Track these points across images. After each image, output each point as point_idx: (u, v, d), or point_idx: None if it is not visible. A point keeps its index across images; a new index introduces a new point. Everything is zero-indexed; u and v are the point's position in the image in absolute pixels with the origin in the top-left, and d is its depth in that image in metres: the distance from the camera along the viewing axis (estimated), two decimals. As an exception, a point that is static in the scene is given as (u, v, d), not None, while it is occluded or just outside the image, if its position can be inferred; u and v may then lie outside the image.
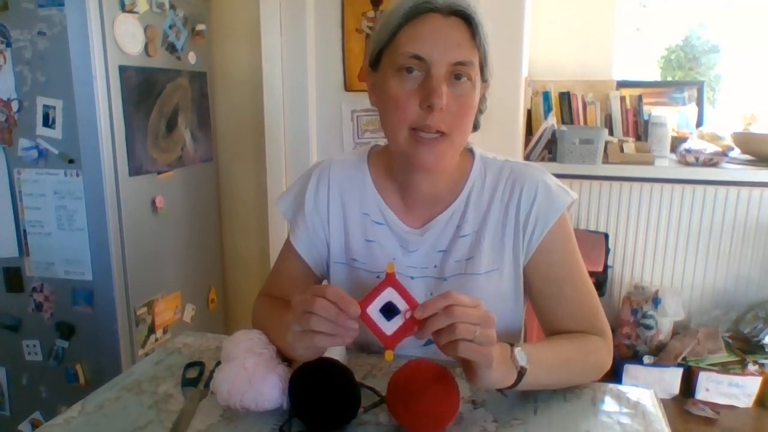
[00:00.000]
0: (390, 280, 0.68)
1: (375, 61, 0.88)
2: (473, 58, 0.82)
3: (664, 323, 2.30)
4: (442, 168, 0.87)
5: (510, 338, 0.96)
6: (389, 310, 0.68)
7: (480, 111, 0.92)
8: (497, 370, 0.70)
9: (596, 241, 2.35)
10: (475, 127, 0.94)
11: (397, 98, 0.82)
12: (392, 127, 0.84)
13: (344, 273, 0.98)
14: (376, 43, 0.87)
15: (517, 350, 0.74)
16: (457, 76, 0.81)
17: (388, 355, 0.67)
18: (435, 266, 0.94)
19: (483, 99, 0.91)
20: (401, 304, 0.68)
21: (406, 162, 0.88)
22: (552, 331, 0.92)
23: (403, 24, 0.82)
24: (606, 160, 2.38)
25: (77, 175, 1.70)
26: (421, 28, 0.81)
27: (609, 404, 0.81)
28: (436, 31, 0.80)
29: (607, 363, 0.88)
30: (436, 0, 0.81)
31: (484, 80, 0.87)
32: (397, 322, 0.68)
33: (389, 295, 0.68)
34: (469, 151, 0.98)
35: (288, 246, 1.02)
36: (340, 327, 0.67)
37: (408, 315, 0.68)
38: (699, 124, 2.52)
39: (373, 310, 0.68)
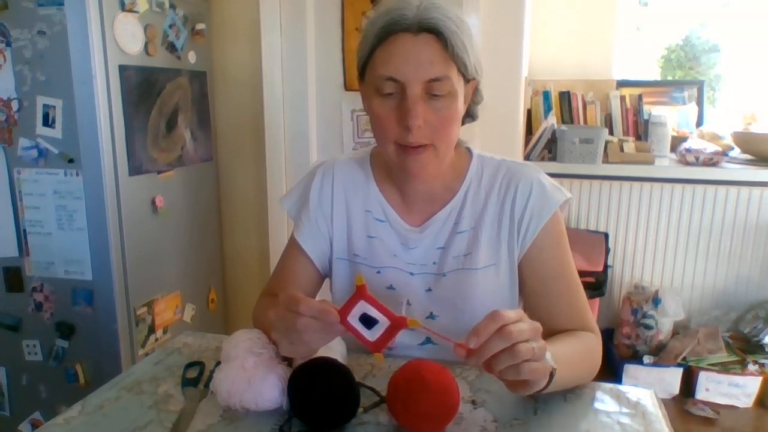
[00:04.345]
0: (361, 294, 0.68)
1: (361, 73, 0.90)
2: (448, 71, 0.82)
3: (664, 323, 2.30)
4: (429, 175, 0.90)
5: None
6: (367, 319, 0.68)
7: (475, 103, 0.94)
8: (540, 369, 0.69)
9: (596, 241, 2.35)
10: (473, 118, 0.96)
11: (379, 117, 0.85)
12: (380, 141, 0.89)
13: (346, 269, 1.00)
14: (359, 57, 0.89)
15: (546, 353, 0.72)
16: (435, 92, 0.82)
17: (378, 357, 0.67)
18: (434, 263, 0.96)
19: (476, 92, 0.92)
20: (376, 315, 0.67)
21: (397, 170, 0.92)
22: (545, 329, 0.92)
23: (376, 45, 0.84)
24: (606, 159, 2.38)
25: (77, 174, 1.70)
26: (393, 50, 0.82)
27: (609, 404, 0.81)
28: (408, 51, 0.81)
29: (600, 361, 0.90)
30: (405, 19, 0.81)
31: (471, 79, 0.88)
32: (378, 330, 0.67)
33: (363, 307, 0.67)
34: (467, 150, 1.00)
35: (292, 243, 1.03)
36: (328, 332, 0.69)
37: (386, 326, 0.67)
38: (699, 123, 2.52)
39: (353, 318, 0.68)
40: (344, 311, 0.68)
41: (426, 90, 0.82)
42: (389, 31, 0.82)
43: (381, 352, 0.68)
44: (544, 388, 0.74)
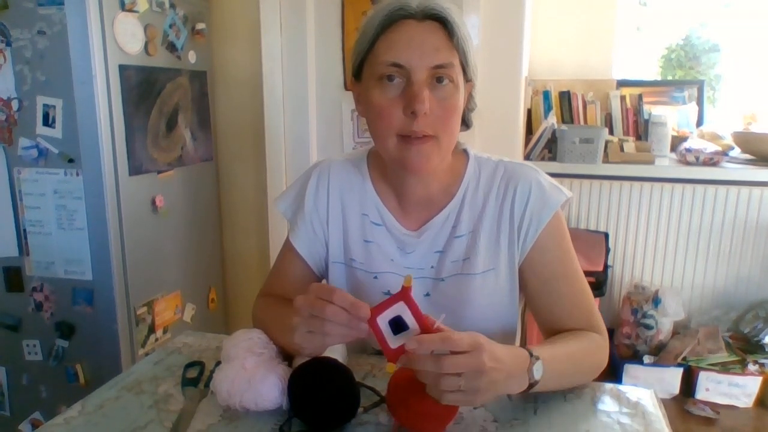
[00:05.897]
0: (404, 295, 0.67)
1: (357, 72, 0.89)
2: (452, 59, 0.82)
3: (664, 323, 2.30)
4: (432, 169, 0.87)
5: (506, 337, 0.97)
6: (397, 324, 0.67)
7: (469, 109, 0.93)
8: (504, 387, 0.70)
9: (596, 241, 2.35)
10: (467, 126, 0.95)
11: (380, 107, 0.82)
12: (380, 136, 0.85)
13: (342, 273, 0.99)
14: (356, 54, 0.87)
15: (537, 364, 0.73)
16: (439, 79, 0.81)
17: (390, 367, 0.67)
18: (432, 267, 0.94)
19: (471, 98, 0.91)
20: (410, 320, 0.66)
21: (397, 166, 0.89)
22: (550, 329, 0.92)
23: (379, 33, 0.83)
24: (606, 159, 2.38)
25: (77, 174, 1.70)
26: (398, 36, 0.81)
27: (609, 404, 0.81)
28: (413, 37, 0.81)
29: (606, 360, 0.89)
30: (410, 6, 0.81)
31: (468, 80, 0.87)
32: (403, 337, 0.66)
33: (400, 309, 0.67)
34: (464, 152, 0.98)
35: (288, 245, 1.02)
36: (352, 329, 0.68)
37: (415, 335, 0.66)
38: (699, 123, 2.52)
39: (383, 320, 0.67)
40: (377, 310, 0.67)
41: (430, 78, 0.81)
42: (393, 19, 0.82)
43: (396, 363, 0.66)
44: (523, 392, 0.74)
